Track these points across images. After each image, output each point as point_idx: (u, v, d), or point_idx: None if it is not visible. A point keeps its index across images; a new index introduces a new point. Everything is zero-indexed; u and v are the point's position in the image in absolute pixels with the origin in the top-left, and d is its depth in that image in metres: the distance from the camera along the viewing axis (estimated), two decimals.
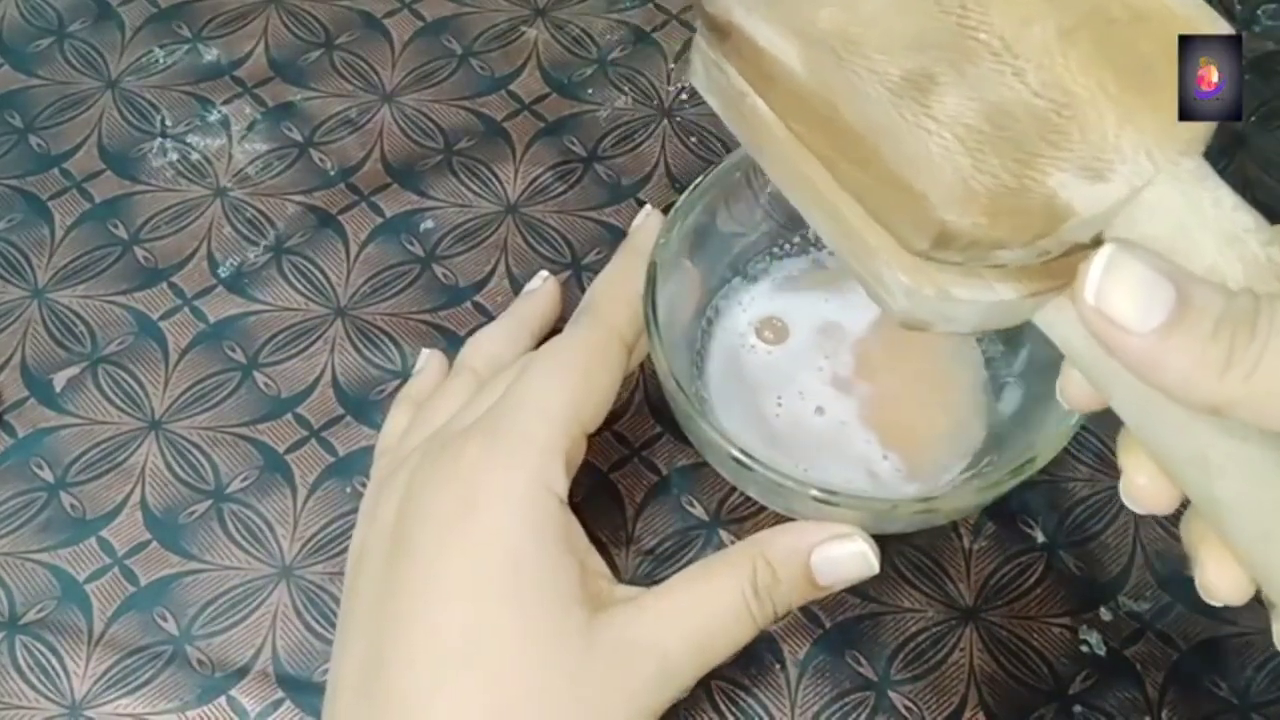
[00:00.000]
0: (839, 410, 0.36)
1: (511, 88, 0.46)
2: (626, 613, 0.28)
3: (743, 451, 0.30)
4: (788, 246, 0.38)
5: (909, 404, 0.37)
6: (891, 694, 0.35)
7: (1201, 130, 0.21)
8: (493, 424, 0.30)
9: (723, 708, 0.35)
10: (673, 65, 0.46)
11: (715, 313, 0.38)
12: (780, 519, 0.33)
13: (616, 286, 0.33)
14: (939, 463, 0.35)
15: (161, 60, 0.47)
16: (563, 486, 0.29)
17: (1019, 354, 0.36)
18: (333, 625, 0.36)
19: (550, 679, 0.27)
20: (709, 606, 0.28)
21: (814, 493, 0.29)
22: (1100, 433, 0.38)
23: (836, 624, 0.36)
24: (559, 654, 0.27)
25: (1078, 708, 0.34)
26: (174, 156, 0.45)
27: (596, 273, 0.35)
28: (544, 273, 0.38)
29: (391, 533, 0.30)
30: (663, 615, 0.28)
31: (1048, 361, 0.33)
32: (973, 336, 0.37)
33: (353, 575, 0.31)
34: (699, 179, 0.34)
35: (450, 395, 0.34)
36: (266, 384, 0.40)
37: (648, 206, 0.37)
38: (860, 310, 0.38)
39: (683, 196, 0.33)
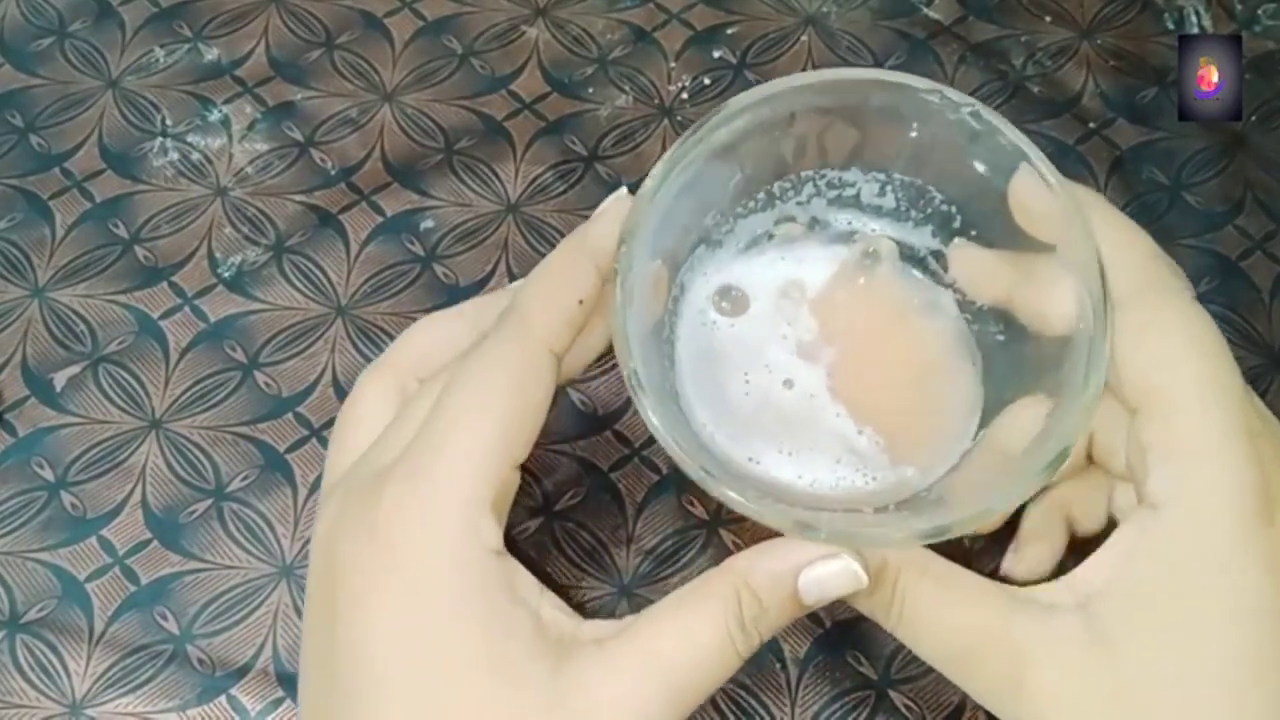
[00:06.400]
0: (808, 381, 0.32)
1: (512, 87, 0.46)
2: (597, 663, 0.26)
3: (716, 477, 0.27)
4: (751, 204, 0.33)
5: (881, 371, 0.33)
6: (892, 693, 0.35)
7: None
8: (410, 470, 0.27)
9: (723, 707, 0.35)
10: (673, 65, 0.46)
11: (680, 290, 0.33)
12: None
13: (548, 289, 0.29)
14: (926, 441, 0.32)
15: (162, 60, 0.47)
16: (494, 536, 0.27)
17: (1014, 343, 0.32)
18: None
19: None
20: (690, 649, 0.26)
21: (798, 517, 0.27)
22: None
23: (837, 623, 0.36)
24: (523, 715, 0.25)
25: None
26: (174, 156, 0.45)
27: None
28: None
29: (321, 584, 0.28)
30: (639, 664, 0.26)
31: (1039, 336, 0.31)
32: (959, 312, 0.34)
33: (306, 604, 0.29)
34: (666, 152, 0.30)
35: (362, 405, 0.30)
36: (267, 383, 0.40)
37: (623, 190, 0.30)
38: (819, 264, 0.34)
39: (646, 182, 0.29)
